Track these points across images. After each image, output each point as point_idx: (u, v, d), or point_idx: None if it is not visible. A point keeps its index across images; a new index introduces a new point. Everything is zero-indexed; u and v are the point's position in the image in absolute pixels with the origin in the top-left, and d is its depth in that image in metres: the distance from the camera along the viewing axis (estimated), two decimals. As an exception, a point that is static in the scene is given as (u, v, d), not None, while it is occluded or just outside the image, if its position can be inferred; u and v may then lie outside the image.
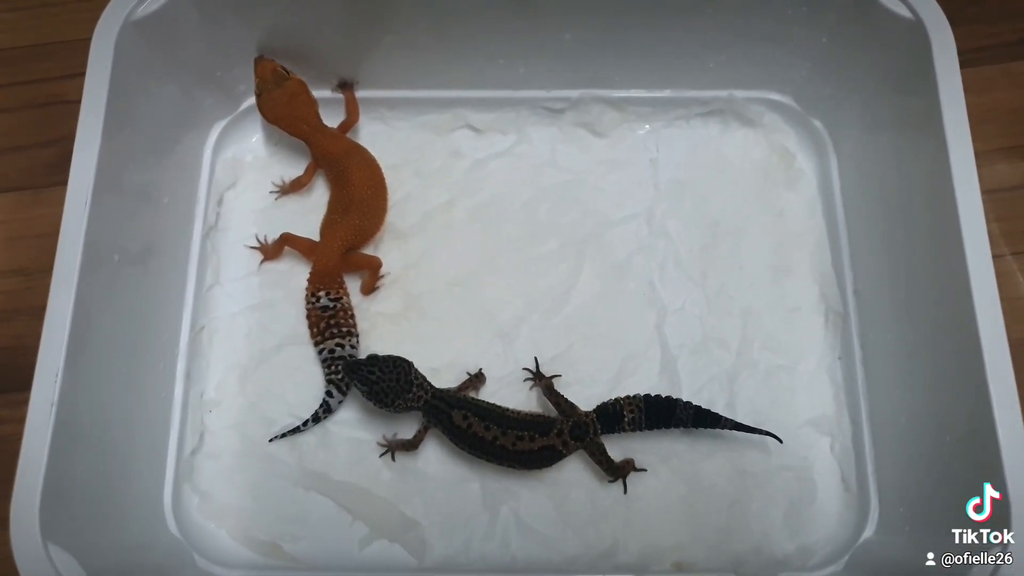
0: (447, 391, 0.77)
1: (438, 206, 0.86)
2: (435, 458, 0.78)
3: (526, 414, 0.76)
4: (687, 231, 0.85)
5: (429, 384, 0.76)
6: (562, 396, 0.77)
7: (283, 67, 0.81)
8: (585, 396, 0.79)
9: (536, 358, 0.79)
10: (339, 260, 0.81)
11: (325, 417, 0.78)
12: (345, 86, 0.87)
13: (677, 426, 0.76)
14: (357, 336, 0.80)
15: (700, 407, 0.76)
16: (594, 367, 0.80)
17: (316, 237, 0.83)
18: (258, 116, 0.87)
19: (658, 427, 0.76)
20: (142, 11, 0.72)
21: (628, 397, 0.76)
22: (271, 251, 0.84)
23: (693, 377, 0.81)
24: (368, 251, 0.84)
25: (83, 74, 0.91)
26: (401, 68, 0.85)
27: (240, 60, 0.82)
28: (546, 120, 0.89)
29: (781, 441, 0.76)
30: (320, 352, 0.80)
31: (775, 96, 0.88)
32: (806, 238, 0.86)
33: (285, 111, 0.81)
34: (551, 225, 0.85)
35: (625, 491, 0.76)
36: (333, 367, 0.79)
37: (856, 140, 0.84)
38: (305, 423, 0.78)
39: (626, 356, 0.81)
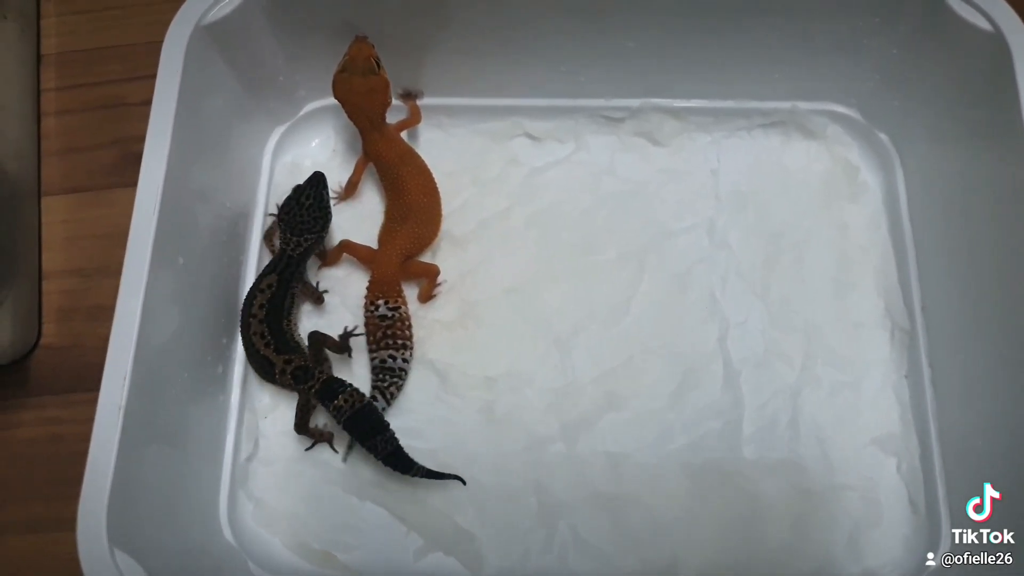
0: (294, 265, 0.78)
1: (496, 214, 0.85)
2: (490, 468, 0.77)
3: (295, 334, 0.78)
4: (749, 243, 0.84)
5: (300, 254, 0.78)
6: (326, 356, 0.77)
7: (378, 59, 0.79)
8: (646, 410, 0.78)
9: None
10: (398, 268, 0.80)
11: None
12: (409, 96, 0.86)
13: (372, 451, 0.73)
14: (412, 348, 0.80)
15: (400, 449, 0.73)
16: (654, 380, 0.79)
17: (372, 243, 0.83)
18: (318, 121, 0.88)
19: (355, 436, 0.74)
20: (213, 15, 0.72)
21: (354, 390, 0.74)
22: (330, 257, 0.83)
23: (756, 392, 0.79)
24: (425, 258, 0.84)
25: (144, 77, 0.92)
26: (461, 75, 0.85)
27: (303, 65, 0.82)
28: (605, 129, 0.88)
29: (464, 483, 0.73)
30: (372, 360, 0.79)
31: (839, 108, 0.86)
32: (870, 252, 0.84)
33: (356, 100, 0.80)
34: (610, 234, 0.84)
35: (345, 455, 0.76)
36: (380, 376, 0.78)
37: (924, 153, 0.82)
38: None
39: (687, 369, 0.79)
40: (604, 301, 0.82)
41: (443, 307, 0.82)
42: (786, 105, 0.86)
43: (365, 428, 0.74)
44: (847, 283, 0.83)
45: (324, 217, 0.79)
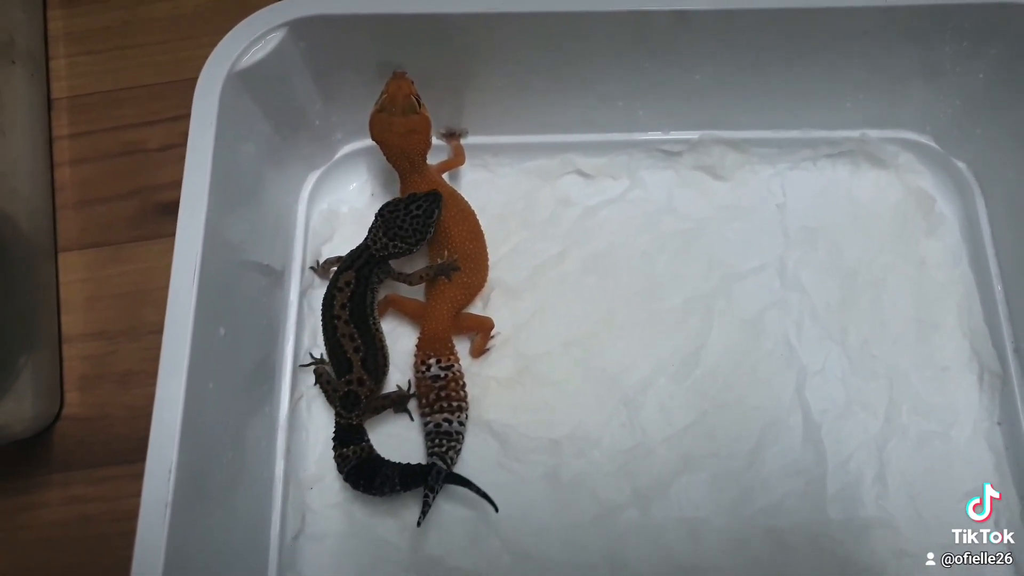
0: (373, 264, 0.73)
1: (549, 259, 0.80)
2: (559, 540, 0.71)
3: (382, 337, 0.74)
4: (822, 283, 0.78)
5: (382, 257, 0.73)
6: (385, 400, 0.74)
7: (418, 97, 0.73)
8: (723, 471, 0.72)
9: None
10: (450, 323, 0.75)
11: (439, 489, 0.71)
12: (452, 136, 0.81)
13: (385, 488, 0.70)
14: (467, 411, 0.74)
15: (408, 466, 0.71)
16: (731, 437, 0.73)
17: (417, 296, 0.78)
18: (354, 164, 0.82)
19: (359, 486, 0.70)
20: (247, 60, 0.66)
21: (369, 446, 0.72)
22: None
23: (838, 446, 0.73)
24: (476, 309, 0.78)
25: (163, 120, 0.87)
26: (508, 112, 0.79)
27: (339, 107, 0.77)
28: (661, 163, 0.83)
29: (497, 510, 0.69)
30: (426, 424, 0.73)
31: (912, 135, 0.81)
32: (952, 289, 0.79)
33: (395, 140, 0.74)
34: (674, 277, 0.79)
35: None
36: (437, 441, 0.72)
37: (1010, 184, 0.76)
38: (426, 495, 0.70)
39: (765, 424, 0.74)
40: (672, 352, 0.76)
41: (498, 362, 0.77)
42: (855, 134, 0.81)
43: (367, 476, 0.70)
44: (929, 324, 0.77)
45: (423, 232, 0.73)
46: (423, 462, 0.73)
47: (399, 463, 0.71)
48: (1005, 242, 0.77)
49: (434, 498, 0.69)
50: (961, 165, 0.80)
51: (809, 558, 0.70)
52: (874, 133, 0.81)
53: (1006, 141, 0.76)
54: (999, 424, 0.74)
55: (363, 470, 0.71)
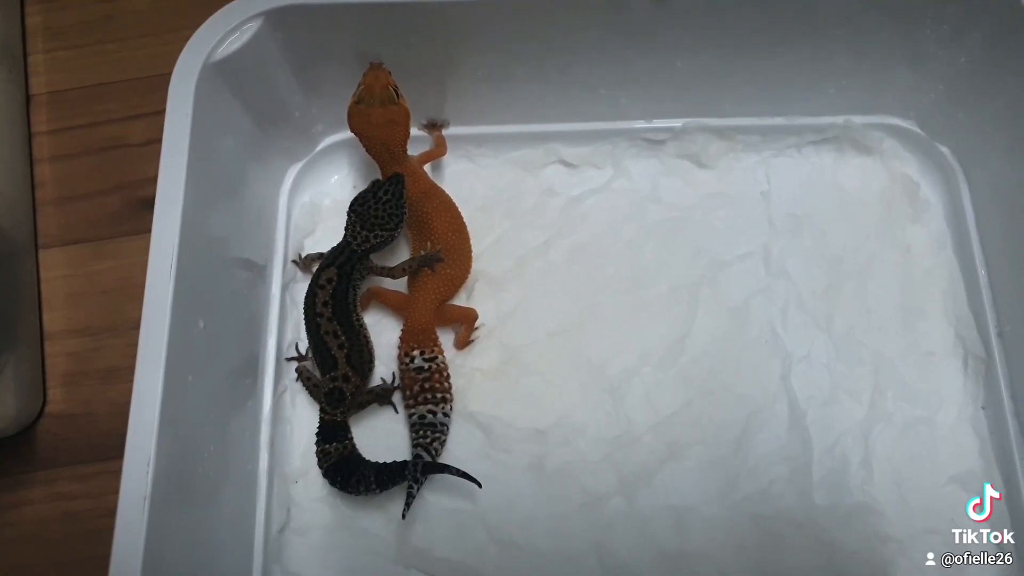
0: (355, 259, 0.73)
1: (533, 249, 0.79)
2: (545, 530, 0.71)
3: (366, 333, 0.74)
4: (808, 270, 0.78)
5: (365, 250, 0.73)
6: (369, 395, 0.74)
7: (396, 87, 0.73)
8: (709, 458, 0.72)
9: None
10: (433, 315, 0.74)
11: (423, 481, 0.71)
12: (433, 127, 0.80)
13: (361, 486, 0.70)
14: (451, 402, 0.74)
15: (384, 466, 0.70)
16: (717, 426, 0.73)
17: (401, 289, 0.77)
18: (336, 157, 0.82)
19: (336, 483, 0.70)
20: (222, 51, 0.66)
21: (353, 446, 0.72)
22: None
23: (824, 433, 0.73)
24: (460, 301, 0.78)
25: (146, 115, 0.86)
26: (490, 102, 0.79)
27: (319, 98, 0.76)
28: (645, 152, 0.82)
29: (480, 486, 0.69)
30: (410, 416, 0.73)
31: (895, 121, 0.81)
32: (937, 275, 0.78)
33: (375, 132, 0.74)
34: (659, 266, 0.78)
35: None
36: (422, 432, 0.72)
37: (994, 168, 0.76)
38: (410, 487, 0.69)
39: (751, 412, 0.74)
40: (657, 341, 0.76)
41: (482, 354, 0.76)
42: (839, 120, 0.80)
43: (345, 474, 0.70)
44: (914, 310, 0.77)
45: (399, 215, 0.73)
46: (408, 454, 0.72)
47: (376, 463, 0.71)
48: (989, 227, 0.77)
49: (418, 489, 0.69)
50: (945, 150, 0.80)
51: (795, 544, 0.70)
52: (858, 119, 0.81)
53: (989, 126, 0.75)
54: (983, 409, 0.75)
55: (341, 468, 0.70)
